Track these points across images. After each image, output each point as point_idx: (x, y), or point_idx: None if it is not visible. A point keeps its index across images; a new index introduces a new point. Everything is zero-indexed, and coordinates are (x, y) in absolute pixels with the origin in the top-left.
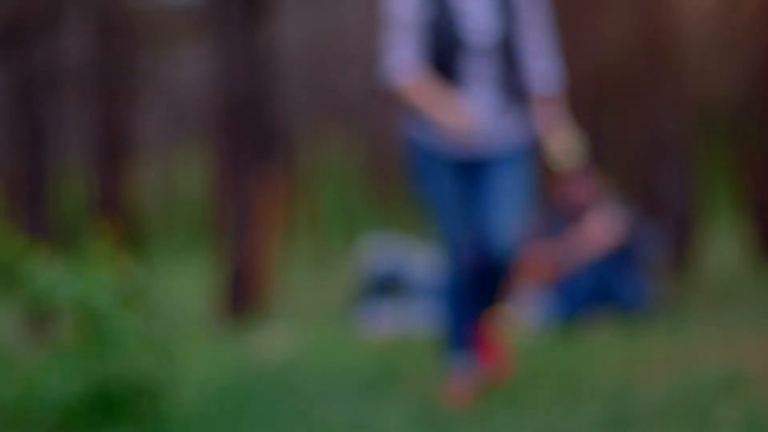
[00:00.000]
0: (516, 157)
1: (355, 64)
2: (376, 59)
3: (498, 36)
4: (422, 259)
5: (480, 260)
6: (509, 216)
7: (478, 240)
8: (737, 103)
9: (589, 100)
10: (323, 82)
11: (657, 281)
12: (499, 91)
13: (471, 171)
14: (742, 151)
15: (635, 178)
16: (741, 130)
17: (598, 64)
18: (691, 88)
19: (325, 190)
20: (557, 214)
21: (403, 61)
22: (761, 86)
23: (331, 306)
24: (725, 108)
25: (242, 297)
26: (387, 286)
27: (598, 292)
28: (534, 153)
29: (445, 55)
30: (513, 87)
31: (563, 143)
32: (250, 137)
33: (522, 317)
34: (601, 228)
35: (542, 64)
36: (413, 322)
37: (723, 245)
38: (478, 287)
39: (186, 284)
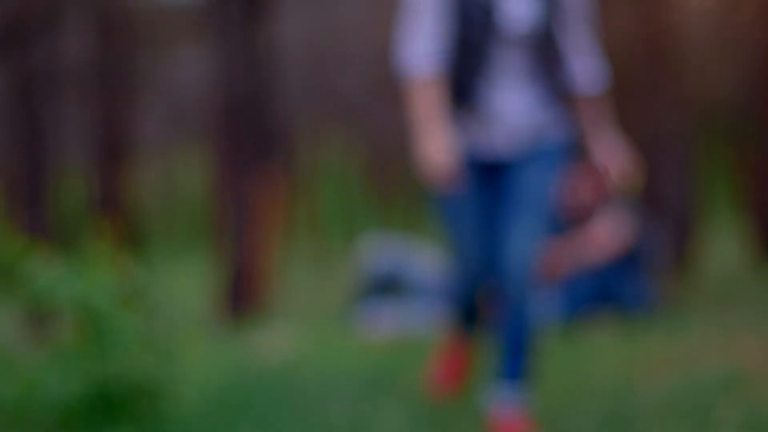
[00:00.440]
0: (549, 159)
1: (355, 64)
2: (376, 59)
3: (536, 26)
4: (422, 259)
5: (497, 289)
6: (532, 230)
7: (495, 263)
8: (737, 103)
9: None
10: (323, 82)
11: (657, 281)
12: (534, 86)
13: (496, 174)
14: (742, 151)
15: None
16: (741, 130)
17: None
18: (691, 88)
19: (325, 190)
20: (563, 213)
21: (417, 57)
22: (761, 86)
23: (331, 306)
24: (725, 108)
25: (242, 297)
26: (387, 286)
27: (598, 293)
28: (570, 157)
29: (474, 42)
30: (551, 84)
31: (622, 163)
32: (250, 137)
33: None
34: (608, 231)
35: (587, 63)
36: (413, 322)
37: (723, 245)
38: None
39: (186, 284)
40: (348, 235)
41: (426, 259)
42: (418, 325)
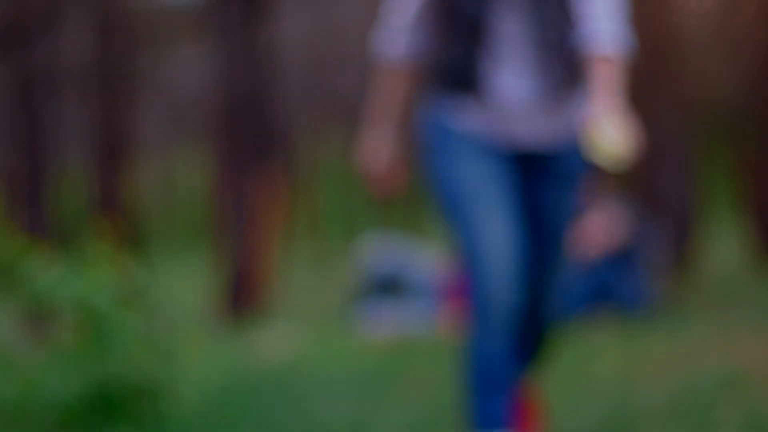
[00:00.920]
0: (569, 157)
1: (355, 64)
2: (376, 59)
3: None
4: (422, 259)
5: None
6: (555, 246)
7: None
8: (737, 103)
9: None
10: (323, 82)
11: (657, 281)
12: (546, 63)
13: (519, 167)
14: (742, 151)
15: (635, 178)
16: (741, 130)
17: None
18: (691, 88)
19: (325, 190)
20: None
21: (389, 37)
22: (761, 86)
23: (331, 306)
24: (725, 108)
25: (242, 297)
26: (387, 286)
27: (596, 292)
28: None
29: (471, 14)
30: (567, 61)
31: (614, 129)
32: (250, 137)
33: None
34: (602, 228)
35: (604, 27)
36: (413, 322)
37: (723, 245)
38: (519, 340)
39: (186, 284)
40: (348, 235)
41: (426, 259)
42: (418, 325)
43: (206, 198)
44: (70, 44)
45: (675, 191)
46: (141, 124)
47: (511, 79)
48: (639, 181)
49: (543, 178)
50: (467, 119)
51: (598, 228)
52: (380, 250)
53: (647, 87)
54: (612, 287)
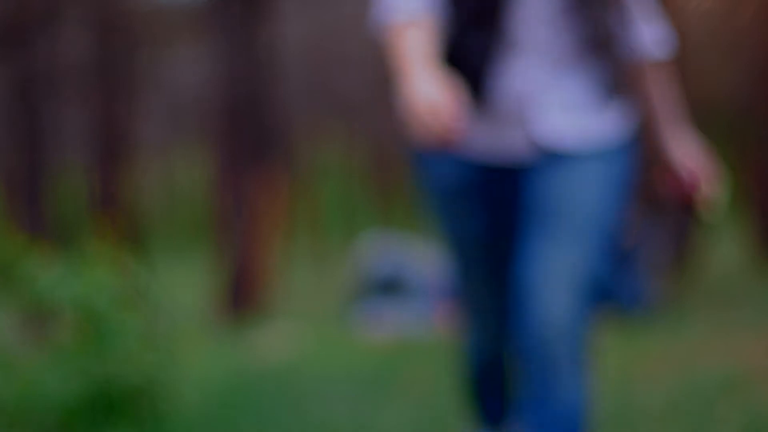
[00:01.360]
0: (605, 159)
1: (355, 64)
2: (376, 59)
3: None
4: (422, 259)
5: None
6: (575, 266)
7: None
8: (737, 103)
9: None
10: (323, 82)
11: (657, 281)
12: (577, 66)
13: (516, 182)
14: (743, 151)
15: (634, 178)
16: (741, 130)
17: None
18: (691, 88)
19: (325, 190)
20: None
21: (396, 3)
22: (761, 86)
23: (331, 306)
24: (725, 108)
25: (242, 297)
26: (387, 286)
27: (597, 292)
28: (633, 153)
29: (482, 7)
30: (597, 44)
31: (711, 180)
32: (250, 137)
33: None
34: None
35: (649, 27)
36: (413, 322)
37: (723, 245)
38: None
39: (186, 284)
40: (348, 235)
41: (426, 259)
42: (417, 325)
43: (206, 197)
44: (70, 44)
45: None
46: (141, 123)
47: (530, 74)
48: (639, 181)
49: (566, 169)
50: (474, 135)
51: None
52: (380, 250)
53: None
54: (612, 287)
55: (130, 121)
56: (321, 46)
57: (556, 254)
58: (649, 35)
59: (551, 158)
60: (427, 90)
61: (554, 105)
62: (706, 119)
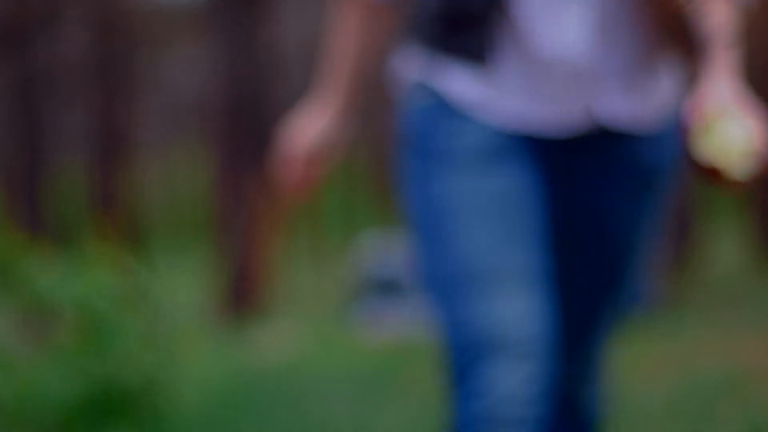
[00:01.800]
0: (654, 149)
1: None
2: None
3: None
4: None
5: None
6: (611, 287)
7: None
8: None
9: None
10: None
11: (657, 281)
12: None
13: (544, 171)
14: None
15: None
16: None
17: None
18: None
19: (325, 190)
20: None
21: None
22: (761, 86)
23: (331, 306)
24: None
25: (242, 297)
26: (387, 286)
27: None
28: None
29: None
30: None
31: (742, 119)
32: (250, 137)
33: None
34: None
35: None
36: (413, 322)
37: (723, 245)
38: None
39: (186, 284)
40: (348, 235)
41: None
42: (417, 325)
43: (206, 197)
44: (70, 44)
45: (675, 191)
46: (141, 124)
47: (566, 23)
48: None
49: (607, 177)
50: (482, 94)
51: None
52: (380, 250)
53: None
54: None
55: (130, 121)
56: (321, 46)
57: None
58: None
59: (607, 142)
60: (301, 128)
61: (609, 73)
62: None
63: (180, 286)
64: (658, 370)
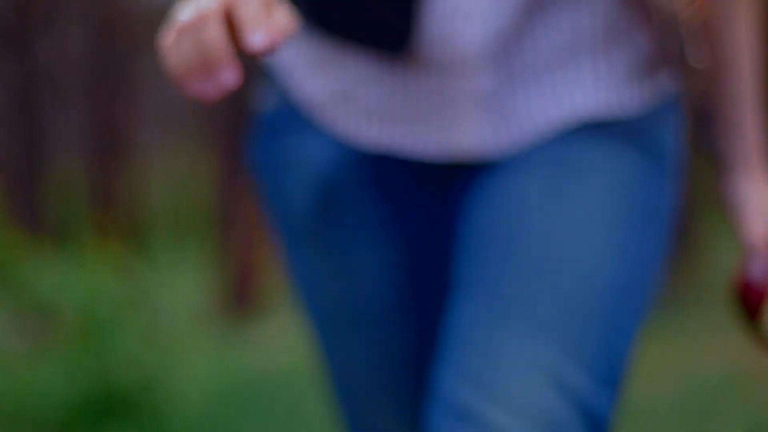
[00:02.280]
0: (619, 159)
1: None
2: None
3: None
4: None
5: None
6: (557, 375)
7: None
8: None
9: None
10: None
11: (657, 281)
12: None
13: (458, 192)
14: None
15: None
16: None
17: None
18: (690, 86)
19: None
20: None
21: None
22: (761, 86)
23: None
24: None
25: (243, 296)
26: None
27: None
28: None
29: None
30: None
31: None
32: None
33: None
34: None
35: None
36: None
37: (723, 245)
38: None
39: (186, 283)
40: None
41: None
42: None
43: (207, 197)
44: (70, 44)
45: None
46: (141, 123)
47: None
48: None
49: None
50: (356, 121)
51: None
52: None
53: None
54: None
55: (130, 121)
56: None
57: (518, 349)
58: None
59: (533, 154)
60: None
61: (538, 62)
62: (706, 119)
63: (180, 286)
64: (659, 370)
